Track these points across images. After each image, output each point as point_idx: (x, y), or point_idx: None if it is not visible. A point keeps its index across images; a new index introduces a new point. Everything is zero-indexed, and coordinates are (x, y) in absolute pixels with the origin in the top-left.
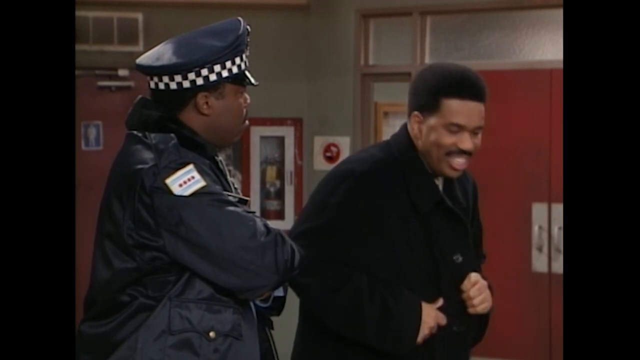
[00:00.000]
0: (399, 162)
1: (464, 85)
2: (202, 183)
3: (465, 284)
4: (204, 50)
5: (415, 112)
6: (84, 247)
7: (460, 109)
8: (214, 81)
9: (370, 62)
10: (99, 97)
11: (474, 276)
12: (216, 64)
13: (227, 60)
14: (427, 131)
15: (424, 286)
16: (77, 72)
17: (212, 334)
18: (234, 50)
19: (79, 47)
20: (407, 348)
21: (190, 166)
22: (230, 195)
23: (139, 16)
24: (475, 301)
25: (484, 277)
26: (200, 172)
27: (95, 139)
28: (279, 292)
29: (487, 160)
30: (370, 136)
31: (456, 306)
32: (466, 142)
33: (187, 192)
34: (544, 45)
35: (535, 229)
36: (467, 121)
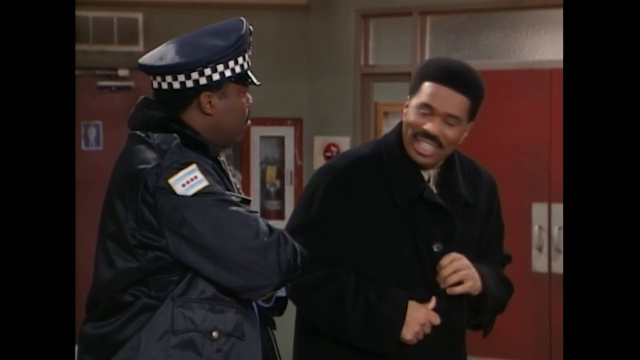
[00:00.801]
0: (383, 156)
1: (446, 72)
2: (205, 183)
3: (442, 261)
4: (207, 49)
5: (407, 97)
6: (84, 247)
7: (434, 92)
8: (217, 81)
9: (370, 62)
10: (99, 97)
11: (452, 255)
12: (219, 63)
13: (230, 60)
14: (407, 112)
15: (417, 283)
16: (77, 72)
17: (214, 333)
18: (236, 50)
19: (79, 47)
20: (392, 347)
21: (193, 166)
22: (233, 195)
23: (139, 16)
24: (445, 272)
25: (501, 274)
26: (203, 171)
27: (95, 139)
28: (282, 292)
29: (487, 160)
30: (370, 136)
31: (445, 300)
32: (432, 125)
33: (190, 192)
34: (544, 45)
35: (535, 229)
36: (437, 104)
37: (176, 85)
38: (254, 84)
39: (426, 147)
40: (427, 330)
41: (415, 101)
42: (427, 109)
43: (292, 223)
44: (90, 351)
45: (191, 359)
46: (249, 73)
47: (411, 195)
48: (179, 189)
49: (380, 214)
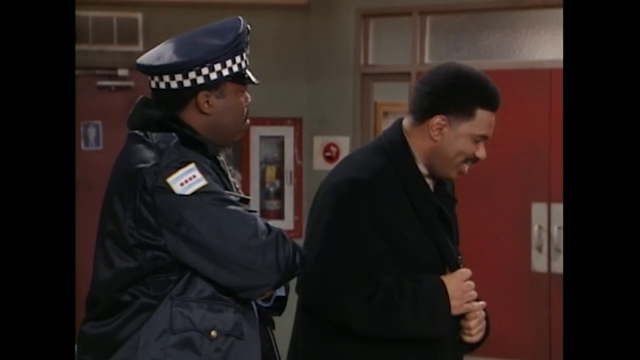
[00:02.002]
0: (397, 167)
1: (496, 98)
2: (204, 182)
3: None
4: (205, 49)
5: (441, 116)
6: (84, 247)
7: (490, 122)
8: (215, 80)
9: (370, 62)
10: (99, 97)
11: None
12: (217, 62)
13: (227, 59)
14: (453, 137)
15: None
16: (76, 72)
17: (213, 333)
18: (234, 49)
19: (78, 47)
20: (446, 326)
21: (192, 165)
22: (231, 195)
23: (139, 16)
24: (474, 331)
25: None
26: (202, 171)
27: (95, 139)
28: (281, 292)
29: (486, 160)
30: (370, 136)
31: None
32: (483, 151)
33: (189, 191)
34: (544, 45)
35: (535, 228)
36: (490, 133)
37: (174, 85)
38: (252, 82)
39: (467, 167)
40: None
41: (469, 129)
42: (482, 138)
43: (319, 243)
44: (89, 351)
45: (190, 358)
46: (247, 72)
47: (431, 208)
48: (177, 188)
49: (405, 225)
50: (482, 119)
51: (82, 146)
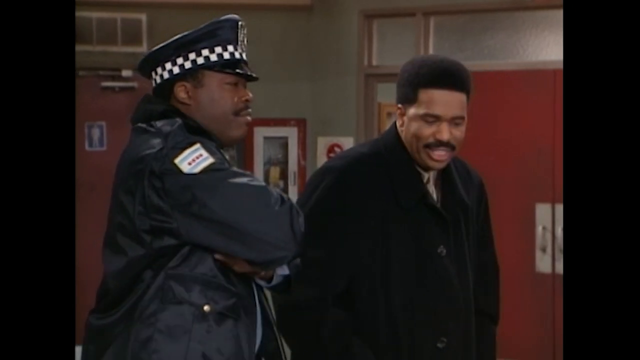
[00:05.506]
0: (384, 156)
1: (439, 74)
2: (211, 160)
3: None
4: (178, 36)
5: (399, 105)
6: (84, 248)
7: (436, 99)
8: (190, 68)
9: (374, 62)
10: (103, 97)
11: None
12: (191, 51)
13: (203, 48)
14: (407, 123)
15: (410, 285)
16: (80, 73)
17: (206, 307)
18: (210, 38)
19: (82, 47)
20: None
21: (197, 145)
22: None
23: (143, 17)
24: None
25: (487, 278)
26: (208, 150)
27: (99, 140)
28: (284, 271)
29: (490, 160)
30: (373, 137)
31: (442, 315)
32: (443, 132)
33: (197, 169)
34: (547, 46)
35: (539, 229)
36: (443, 111)
37: (158, 79)
38: (239, 75)
39: (441, 152)
40: None
41: (415, 111)
42: (432, 118)
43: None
44: (93, 341)
45: (181, 338)
46: (237, 65)
47: (414, 198)
48: (186, 168)
49: (381, 214)
50: (426, 98)
51: (86, 147)
